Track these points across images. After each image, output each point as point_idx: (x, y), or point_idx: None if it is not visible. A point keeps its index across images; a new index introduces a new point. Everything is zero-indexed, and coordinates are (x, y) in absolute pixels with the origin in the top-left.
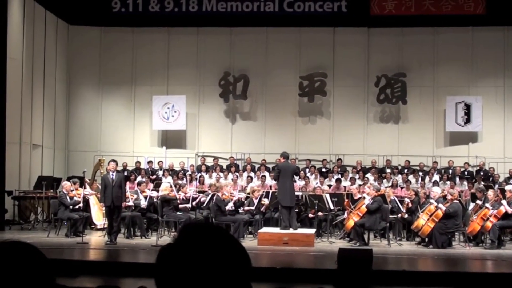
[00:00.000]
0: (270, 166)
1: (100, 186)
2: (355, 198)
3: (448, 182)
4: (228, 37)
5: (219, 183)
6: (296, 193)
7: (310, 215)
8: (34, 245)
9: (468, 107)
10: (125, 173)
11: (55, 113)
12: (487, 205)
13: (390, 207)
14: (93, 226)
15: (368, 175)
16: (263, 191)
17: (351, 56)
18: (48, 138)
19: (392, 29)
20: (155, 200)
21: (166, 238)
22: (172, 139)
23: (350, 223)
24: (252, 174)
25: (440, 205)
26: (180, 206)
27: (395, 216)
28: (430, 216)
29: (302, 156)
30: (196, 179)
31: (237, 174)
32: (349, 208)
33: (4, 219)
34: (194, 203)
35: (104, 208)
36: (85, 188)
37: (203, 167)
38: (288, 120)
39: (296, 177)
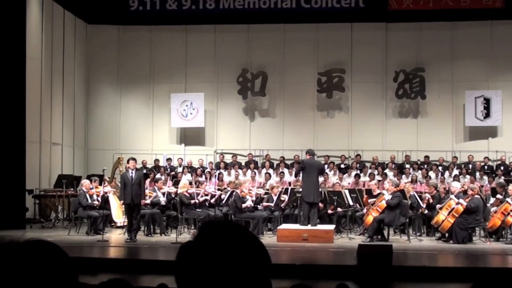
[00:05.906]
0: (289, 162)
1: (119, 184)
2: (374, 193)
3: (468, 177)
4: (246, 34)
5: (238, 180)
6: None
7: (329, 211)
8: (55, 243)
9: (487, 102)
10: (144, 171)
11: (74, 112)
12: (507, 199)
13: (410, 202)
14: (113, 224)
15: (387, 170)
16: (282, 188)
17: (369, 52)
18: (68, 137)
19: (410, 24)
20: (173, 196)
21: (185, 235)
22: (190, 137)
23: (369, 219)
24: (270, 170)
25: (461, 200)
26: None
27: (415, 211)
28: (450, 211)
29: (321, 152)
30: (215, 176)
31: (255, 171)
32: (368, 204)
33: (25, 217)
34: (213, 200)
35: (123, 206)
36: (104, 186)
37: (222, 164)
38: (306, 117)
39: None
